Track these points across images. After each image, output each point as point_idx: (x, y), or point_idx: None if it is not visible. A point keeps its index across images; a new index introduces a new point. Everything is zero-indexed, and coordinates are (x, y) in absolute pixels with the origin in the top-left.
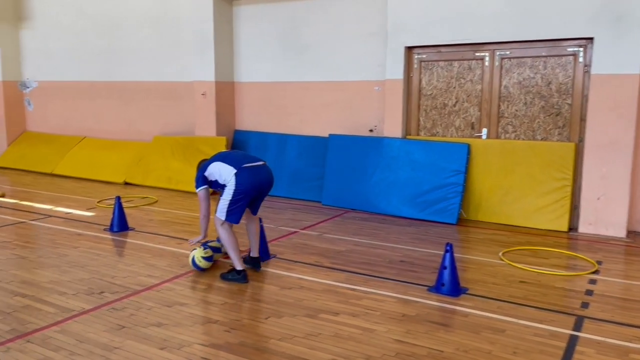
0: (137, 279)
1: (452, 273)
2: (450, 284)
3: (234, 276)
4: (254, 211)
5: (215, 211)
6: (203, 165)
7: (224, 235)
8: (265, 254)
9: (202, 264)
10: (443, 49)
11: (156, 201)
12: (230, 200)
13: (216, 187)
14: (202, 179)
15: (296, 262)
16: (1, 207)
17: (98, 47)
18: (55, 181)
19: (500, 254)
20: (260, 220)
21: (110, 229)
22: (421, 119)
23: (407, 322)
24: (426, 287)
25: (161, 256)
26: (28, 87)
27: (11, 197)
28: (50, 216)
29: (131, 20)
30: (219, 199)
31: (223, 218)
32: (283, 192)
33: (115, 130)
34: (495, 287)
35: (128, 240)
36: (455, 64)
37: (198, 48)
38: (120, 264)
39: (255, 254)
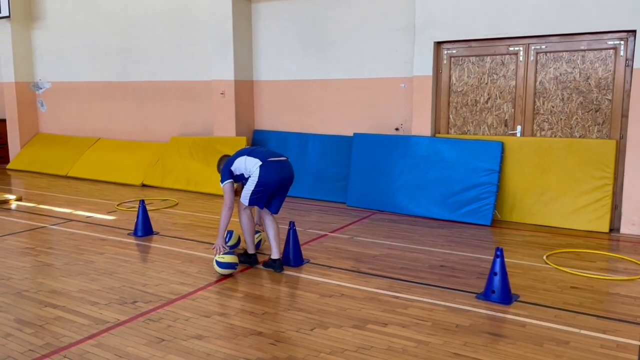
0: (169, 287)
1: (503, 280)
2: (501, 291)
3: (244, 259)
4: (275, 210)
5: (240, 197)
6: (229, 160)
7: (244, 219)
8: (298, 258)
9: (225, 259)
10: (474, 44)
11: (177, 204)
12: (253, 190)
13: (241, 180)
14: (228, 173)
15: (332, 267)
16: (20, 211)
17: (113, 46)
18: (71, 184)
19: (544, 257)
20: (293, 224)
21: (134, 234)
22: (451, 116)
23: (462, 333)
24: (473, 294)
25: (191, 262)
26: (41, 88)
27: (28, 200)
28: (71, 220)
29: (147, 19)
30: (242, 188)
31: (246, 203)
32: (305, 193)
33: (131, 132)
34: (547, 293)
35: (154, 245)
36: (488, 59)
37: (217, 46)
38: (150, 270)
39: (275, 255)
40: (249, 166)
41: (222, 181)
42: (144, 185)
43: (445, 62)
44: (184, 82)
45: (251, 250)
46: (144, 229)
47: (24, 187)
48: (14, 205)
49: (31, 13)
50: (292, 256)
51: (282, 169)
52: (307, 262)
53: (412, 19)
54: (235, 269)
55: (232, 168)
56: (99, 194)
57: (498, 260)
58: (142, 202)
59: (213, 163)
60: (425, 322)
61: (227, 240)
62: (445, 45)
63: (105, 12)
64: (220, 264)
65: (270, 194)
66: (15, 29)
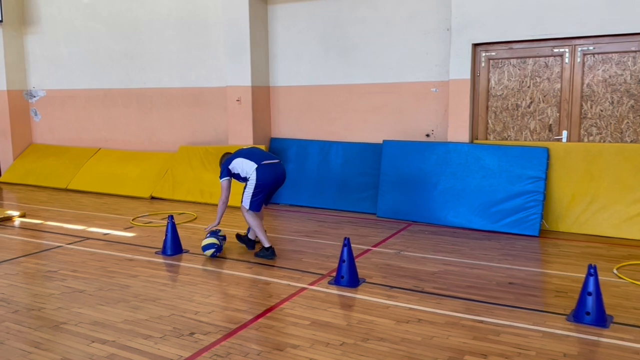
0: (225, 315)
1: (597, 300)
2: (596, 313)
3: (264, 253)
4: (266, 203)
5: (241, 201)
6: (227, 159)
7: (250, 219)
8: (354, 278)
9: (207, 241)
10: (515, 46)
11: (195, 217)
12: (252, 192)
13: (238, 179)
14: (226, 171)
15: (392, 287)
16: (27, 228)
17: (114, 51)
18: (73, 197)
19: (614, 270)
20: (348, 240)
21: (163, 252)
22: (490, 121)
23: None
24: (561, 316)
25: (237, 284)
26: (34, 97)
27: (33, 216)
28: (87, 238)
29: (153, 23)
30: (243, 190)
31: (247, 207)
32: (329, 204)
33: (134, 141)
34: None
35: (188, 265)
36: (530, 61)
37: (232, 51)
38: (196, 295)
39: (267, 244)
40: (246, 168)
41: (221, 177)
42: (153, 198)
43: (483, 64)
44: (193, 89)
45: (267, 244)
46: (174, 247)
47: (23, 201)
48: (17, 222)
49: (24, 18)
50: (348, 276)
51: (276, 171)
52: (364, 281)
53: (445, 20)
54: (215, 248)
55: (230, 167)
56: (107, 209)
57: (592, 279)
58: (171, 217)
59: None
60: (528, 352)
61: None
62: (483, 47)
63: (107, 16)
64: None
65: (267, 194)
66: (7, 35)
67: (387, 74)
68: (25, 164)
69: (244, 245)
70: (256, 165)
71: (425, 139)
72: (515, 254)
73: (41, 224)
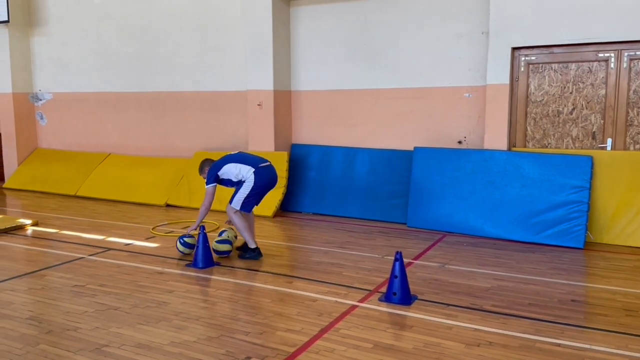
0: (278, 336)
1: None
2: None
3: (250, 254)
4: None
5: (230, 202)
6: (214, 165)
7: (237, 220)
8: (407, 295)
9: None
10: (557, 50)
11: (218, 227)
12: (247, 194)
13: (226, 185)
14: (214, 177)
15: (448, 305)
16: (43, 238)
17: (126, 54)
18: (85, 204)
19: None
20: (400, 255)
21: (194, 265)
22: (529, 128)
23: None
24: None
25: (281, 300)
26: (40, 100)
27: (45, 225)
28: (109, 249)
29: (167, 25)
30: (234, 193)
31: (237, 208)
32: (355, 213)
33: (146, 146)
34: None
35: (222, 279)
36: (572, 66)
37: (254, 54)
38: (241, 313)
39: (252, 245)
40: (243, 172)
41: (207, 183)
42: (168, 206)
43: (522, 69)
44: (209, 93)
45: (252, 245)
46: (205, 259)
47: (32, 209)
48: (29, 230)
49: (30, 19)
50: (401, 293)
51: (271, 173)
52: (416, 298)
53: (480, 24)
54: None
55: (220, 173)
56: (123, 217)
57: None
58: (203, 228)
59: None
60: None
61: (220, 234)
62: (522, 51)
63: (118, 17)
64: (182, 244)
65: (261, 197)
66: (13, 36)
67: (416, 79)
68: (30, 170)
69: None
70: (254, 169)
71: (457, 145)
72: (565, 267)
73: (56, 233)
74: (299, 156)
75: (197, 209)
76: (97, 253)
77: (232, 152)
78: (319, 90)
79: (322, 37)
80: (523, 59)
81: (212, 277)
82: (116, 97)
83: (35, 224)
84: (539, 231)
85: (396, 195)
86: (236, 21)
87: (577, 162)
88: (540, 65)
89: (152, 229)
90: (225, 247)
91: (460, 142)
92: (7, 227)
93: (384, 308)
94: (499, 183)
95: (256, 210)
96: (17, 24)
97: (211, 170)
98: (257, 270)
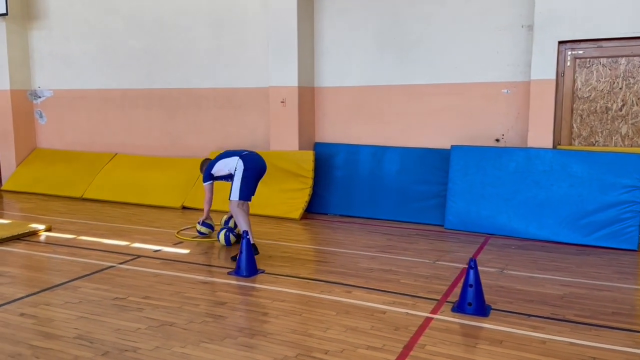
0: (359, 354)
1: None
2: None
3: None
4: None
5: (229, 196)
6: (209, 165)
7: (239, 214)
8: (482, 305)
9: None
10: (606, 44)
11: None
12: (241, 179)
13: (224, 179)
14: (209, 176)
15: (530, 315)
16: (61, 245)
17: (134, 49)
18: (94, 207)
19: None
20: (474, 262)
21: (237, 273)
22: (575, 125)
23: None
24: None
25: (347, 313)
26: (39, 97)
27: (59, 230)
28: (139, 256)
29: (180, 19)
30: (231, 186)
31: (237, 199)
32: (385, 215)
33: (156, 146)
34: None
35: (272, 287)
36: (622, 60)
37: (277, 48)
38: (310, 327)
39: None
40: (230, 164)
41: (204, 181)
42: (184, 208)
43: (568, 64)
44: (225, 90)
45: (251, 241)
46: (250, 267)
47: (38, 212)
48: (43, 236)
49: (28, 12)
50: (476, 303)
51: (258, 158)
52: (490, 308)
53: (520, 17)
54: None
55: (213, 171)
56: (139, 220)
57: None
58: (246, 233)
59: (270, 181)
60: None
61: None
62: (568, 45)
63: (126, 10)
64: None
65: (255, 182)
66: (11, 30)
67: (451, 74)
68: (30, 171)
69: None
70: (238, 156)
71: (494, 143)
72: (631, 271)
73: (74, 238)
74: (323, 155)
75: (216, 211)
76: (127, 261)
77: (221, 153)
78: (345, 87)
79: (348, 30)
80: (569, 53)
81: (261, 286)
82: (123, 94)
83: (48, 229)
84: (589, 233)
85: (430, 196)
86: (255, 15)
87: (629, 161)
88: (588, 59)
89: (177, 233)
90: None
91: (498, 140)
92: (19, 233)
93: (461, 320)
94: (544, 183)
95: (282, 212)
96: (15, 17)
97: (207, 169)
98: (307, 278)
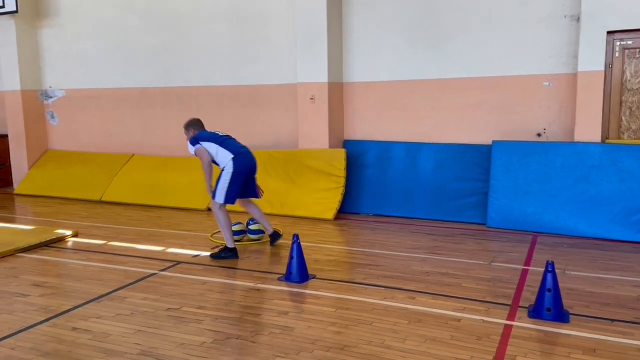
0: None
1: None
2: None
3: (226, 254)
4: (255, 194)
5: (213, 196)
6: (201, 135)
7: (221, 216)
8: (561, 310)
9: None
10: None
11: (281, 235)
12: (229, 182)
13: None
14: (197, 143)
15: (613, 320)
16: (94, 251)
17: (150, 46)
18: (115, 210)
19: None
20: (552, 265)
21: (288, 279)
22: (624, 118)
23: None
24: None
25: (420, 321)
26: (51, 97)
27: (85, 235)
28: (178, 262)
29: (198, 13)
30: (216, 183)
31: (221, 202)
32: (421, 213)
33: (175, 146)
34: None
35: (333, 295)
36: None
37: (305, 44)
38: (388, 339)
39: (271, 230)
40: (222, 157)
41: (193, 145)
42: (209, 210)
43: (617, 54)
44: (248, 87)
45: (231, 244)
46: (301, 272)
47: (58, 217)
48: (70, 242)
49: (38, 9)
50: (555, 308)
51: (250, 158)
52: (568, 313)
53: (562, 7)
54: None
55: (202, 143)
56: (166, 224)
57: None
58: (296, 237)
59: (300, 181)
60: None
61: (249, 223)
62: (617, 35)
63: (142, 6)
64: (251, 232)
65: (242, 184)
66: (21, 28)
67: (488, 67)
68: (43, 173)
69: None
70: (232, 155)
71: (535, 138)
72: None
73: (104, 244)
74: (353, 153)
75: (242, 212)
76: (168, 268)
77: (220, 133)
78: (375, 82)
79: (379, 23)
80: (618, 43)
81: (318, 292)
82: (139, 92)
83: (75, 235)
84: None
85: (469, 193)
86: (280, 9)
87: None
88: (637, 50)
89: (211, 236)
90: (255, 237)
91: (539, 135)
92: (47, 239)
93: (542, 327)
94: (593, 178)
95: (315, 212)
96: (25, 15)
97: (196, 137)
98: (362, 284)
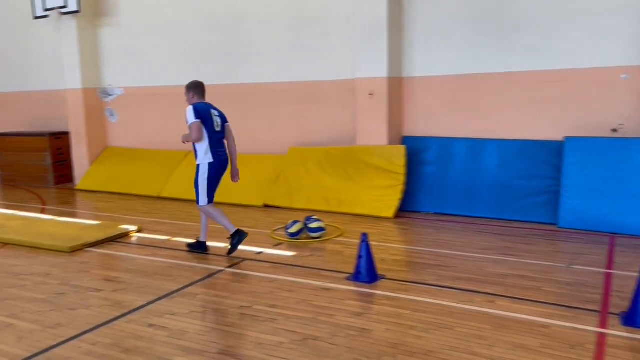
0: None
1: None
2: None
3: (196, 247)
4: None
5: (197, 202)
6: (200, 106)
7: (211, 210)
8: None
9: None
10: None
11: (343, 233)
12: (207, 185)
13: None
14: (199, 116)
15: None
16: (159, 247)
17: (208, 44)
18: (174, 206)
19: None
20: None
21: (357, 278)
22: None
23: None
24: None
25: (504, 327)
26: (110, 95)
27: (149, 231)
28: (243, 259)
29: (255, 11)
30: (196, 183)
31: (206, 202)
32: (484, 212)
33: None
34: None
35: (406, 297)
36: None
37: (364, 38)
38: (474, 346)
39: (204, 238)
40: (203, 151)
41: (195, 117)
42: (266, 206)
43: None
44: (305, 83)
45: (233, 230)
46: (371, 272)
47: (121, 212)
48: (135, 238)
49: (98, 9)
50: None
51: (225, 160)
52: None
53: None
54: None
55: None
56: None
57: None
58: (365, 236)
59: (358, 178)
60: None
61: (289, 226)
62: None
63: (198, 4)
64: (312, 230)
65: (217, 181)
66: (82, 27)
67: (560, 59)
68: (103, 170)
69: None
70: (212, 160)
71: (610, 134)
72: None
73: (168, 240)
74: (412, 150)
75: (301, 209)
76: (234, 265)
77: (217, 127)
78: (436, 76)
79: (441, 15)
80: None
81: (390, 294)
82: None
83: (139, 231)
84: None
85: (537, 192)
86: (338, 3)
87: None
88: None
89: (272, 233)
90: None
91: (615, 130)
92: (113, 234)
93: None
94: None
95: (374, 210)
96: (86, 14)
97: (199, 111)
98: (436, 285)
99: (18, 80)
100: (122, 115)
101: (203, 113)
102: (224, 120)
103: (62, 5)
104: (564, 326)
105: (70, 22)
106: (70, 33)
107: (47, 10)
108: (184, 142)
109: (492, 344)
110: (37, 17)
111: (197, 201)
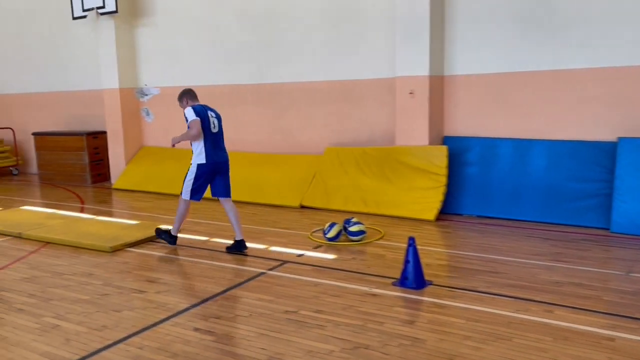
0: None
1: None
2: None
3: (167, 237)
4: (225, 193)
5: (181, 193)
6: (201, 114)
7: (181, 207)
8: None
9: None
10: None
11: (383, 235)
12: (193, 181)
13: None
14: (197, 114)
15: None
16: (199, 248)
17: (243, 43)
18: (210, 206)
19: None
20: None
21: (404, 284)
22: None
23: None
24: None
25: (567, 339)
26: (146, 95)
27: (188, 231)
28: (285, 262)
29: (291, 10)
30: (182, 185)
31: (188, 198)
32: (531, 216)
33: (266, 142)
34: None
35: (456, 304)
36: None
37: (405, 36)
38: (537, 359)
39: (239, 237)
40: (197, 148)
41: (194, 115)
42: (302, 207)
43: None
44: (342, 82)
45: (176, 233)
46: (418, 278)
47: (157, 211)
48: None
49: (135, 9)
50: None
51: (221, 163)
52: None
53: None
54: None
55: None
56: (262, 221)
57: None
58: (412, 240)
59: (397, 179)
60: None
61: (326, 231)
62: None
63: (235, 3)
64: (352, 233)
65: (207, 184)
66: (119, 27)
67: (612, 57)
68: (139, 169)
69: None
70: (203, 162)
71: None
72: None
73: (207, 241)
74: (454, 150)
75: (338, 210)
76: (275, 267)
77: (213, 129)
78: (479, 74)
79: (485, 12)
80: None
81: (440, 301)
82: (231, 89)
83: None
84: None
85: (588, 195)
86: (377, 1)
87: None
88: None
89: (310, 235)
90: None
91: None
92: (152, 235)
93: None
94: None
95: (415, 212)
96: (123, 14)
97: (196, 110)
98: (488, 293)
99: (57, 81)
100: (157, 115)
101: (201, 113)
102: (220, 121)
103: (100, 5)
104: (631, 339)
105: (108, 22)
106: (107, 33)
107: (85, 10)
108: (173, 145)
109: (555, 358)
110: (75, 18)
111: (181, 193)
